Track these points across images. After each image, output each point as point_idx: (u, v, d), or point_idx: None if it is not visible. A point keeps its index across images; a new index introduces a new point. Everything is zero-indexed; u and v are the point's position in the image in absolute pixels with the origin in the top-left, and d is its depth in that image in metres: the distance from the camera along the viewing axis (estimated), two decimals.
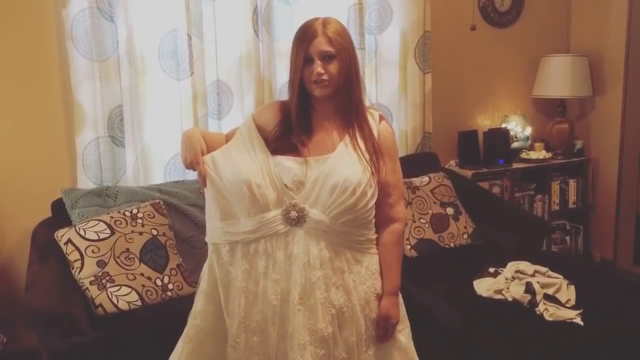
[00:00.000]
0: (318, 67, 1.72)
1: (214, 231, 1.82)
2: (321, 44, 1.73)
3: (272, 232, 1.74)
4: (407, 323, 1.91)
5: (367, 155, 1.76)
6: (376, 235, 1.84)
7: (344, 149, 1.77)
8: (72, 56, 2.97)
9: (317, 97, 1.78)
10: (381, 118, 1.87)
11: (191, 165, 1.79)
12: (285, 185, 1.74)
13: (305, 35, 1.75)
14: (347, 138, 1.79)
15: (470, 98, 4.12)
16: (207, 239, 1.85)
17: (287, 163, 1.76)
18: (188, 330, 1.86)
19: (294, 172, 1.75)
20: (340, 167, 1.73)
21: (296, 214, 1.73)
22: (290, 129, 1.80)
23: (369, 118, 1.83)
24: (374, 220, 1.82)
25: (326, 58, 1.73)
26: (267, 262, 1.74)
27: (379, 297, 1.82)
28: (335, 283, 1.73)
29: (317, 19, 1.78)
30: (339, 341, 1.74)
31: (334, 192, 1.71)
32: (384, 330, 1.82)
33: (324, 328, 1.70)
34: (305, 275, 1.71)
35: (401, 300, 1.90)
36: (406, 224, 1.92)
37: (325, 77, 1.73)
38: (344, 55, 1.75)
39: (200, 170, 1.78)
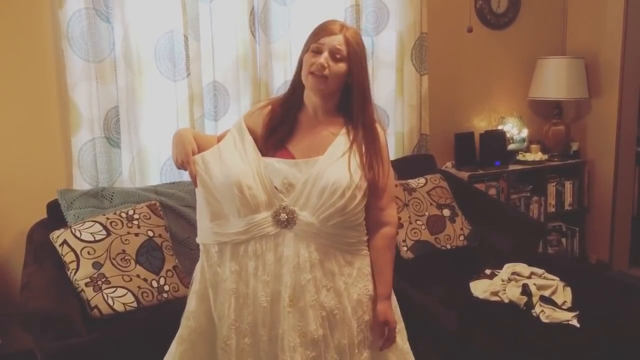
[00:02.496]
0: (323, 58, 1.71)
1: (204, 231, 1.82)
2: (336, 41, 1.72)
3: (261, 233, 1.74)
4: (402, 325, 1.90)
5: (358, 157, 1.75)
6: (367, 238, 1.83)
7: (335, 151, 1.76)
8: (68, 57, 2.97)
9: (309, 90, 1.77)
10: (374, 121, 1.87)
11: (182, 165, 1.79)
12: (275, 188, 1.74)
13: (324, 29, 1.75)
14: (341, 140, 1.78)
15: (466, 100, 4.12)
16: (198, 239, 1.85)
17: (277, 165, 1.75)
18: (181, 331, 1.86)
19: (283, 174, 1.74)
20: (329, 169, 1.72)
21: (286, 217, 1.72)
22: (279, 129, 1.81)
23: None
24: (364, 223, 1.82)
25: (335, 57, 1.73)
26: (257, 263, 1.74)
27: (372, 299, 1.81)
28: (325, 285, 1.73)
29: (339, 20, 1.79)
30: (330, 344, 1.73)
31: (323, 195, 1.70)
32: (381, 335, 1.81)
33: (314, 330, 1.70)
34: (295, 277, 1.70)
35: (395, 302, 1.89)
36: (397, 231, 1.90)
37: (326, 72, 1.72)
38: (355, 61, 1.74)
39: (191, 170, 1.78)
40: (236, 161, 1.76)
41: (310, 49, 1.74)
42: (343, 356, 1.75)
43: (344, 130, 1.80)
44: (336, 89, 1.77)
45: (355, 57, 1.75)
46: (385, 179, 1.81)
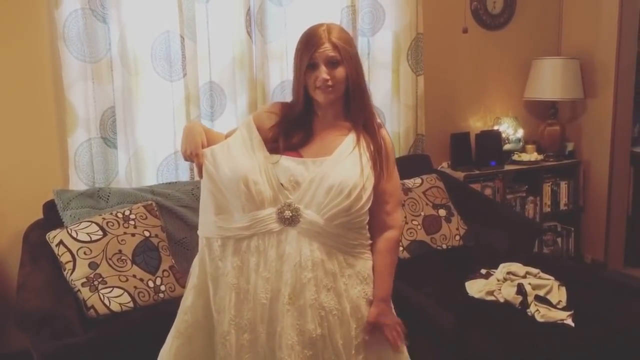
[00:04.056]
0: (323, 72, 1.75)
1: (207, 225, 1.83)
2: (327, 50, 1.75)
3: (265, 229, 1.75)
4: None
5: (365, 159, 1.77)
6: (370, 242, 1.85)
7: (342, 153, 1.78)
8: (65, 57, 2.96)
9: (320, 102, 1.80)
10: (380, 125, 1.88)
11: (190, 157, 1.80)
12: (282, 185, 1.76)
13: (310, 41, 1.77)
14: (348, 142, 1.80)
15: (462, 100, 4.13)
16: (199, 232, 1.85)
17: (285, 162, 1.77)
18: (178, 325, 1.86)
19: (290, 172, 1.76)
20: (337, 169, 1.74)
21: (290, 214, 1.74)
22: (290, 130, 1.82)
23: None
24: (367, 226, 1.83)
25: (331, 64, 1.75)
26: (259, 259, 1.75)
27: (371, 303, 1.82)
28: (326, 285, 1.74)
29: (321, 25, 1.80)
30: (328, 344, 1.74)
31: (329, 194, 1.72)
32: (372, 336, 1.81)
33: (312, 329, 1.71)
34: (295, 275, 1.71)
35: (391, 306, 1.89)
36: (401, 236, 1.92)
37: (330, 82, 1.75)
38: (349, 61, 1.77)
39: (199, 161, 1.79)
40: (244, 157, 1.78)
41: (307, 65, 1.76)
42: (340, 357, 1.75)
43: (352, 132, 1.83)
44: (346, 89, 1.80)
45: (347, 56, 1.77)
46: (392, 182, 1.85)
